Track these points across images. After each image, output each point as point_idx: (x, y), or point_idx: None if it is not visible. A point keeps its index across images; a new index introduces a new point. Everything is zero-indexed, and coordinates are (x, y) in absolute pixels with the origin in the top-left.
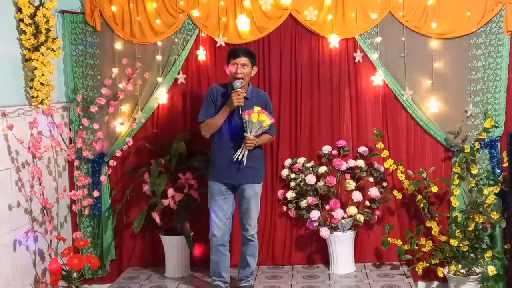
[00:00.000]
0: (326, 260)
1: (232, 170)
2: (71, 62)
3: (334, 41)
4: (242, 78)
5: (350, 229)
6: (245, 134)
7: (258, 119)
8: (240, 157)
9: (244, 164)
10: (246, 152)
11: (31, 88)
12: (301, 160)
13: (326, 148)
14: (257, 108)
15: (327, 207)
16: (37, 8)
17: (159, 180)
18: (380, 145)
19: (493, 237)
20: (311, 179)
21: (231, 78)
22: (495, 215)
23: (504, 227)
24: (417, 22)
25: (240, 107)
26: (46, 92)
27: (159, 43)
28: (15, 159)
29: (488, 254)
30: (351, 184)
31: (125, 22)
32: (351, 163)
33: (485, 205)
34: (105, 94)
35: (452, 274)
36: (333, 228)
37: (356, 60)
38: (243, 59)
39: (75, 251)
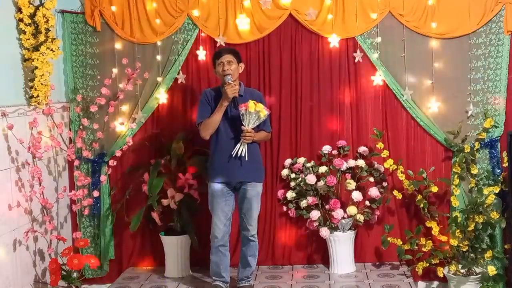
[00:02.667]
0: (326, 260)
1: (234, 167)
2: (71, 62)
3: (334, 41)
4: (230, 74)
5: (350, 229)
6: (242, 127)
7: (255, 109)
8: (240, 152)
9: (246, 159)
10: (245, 147)
11: (30, 88)
12: (301, 160)
13: (326, 148)
14: (252, 101)
15: (327, 207)
16: (37, 8)
17: (156, 181)
18: (380, 145)
19: (493, 237)
20: (311, 179)
21: (220, 79)
22: (495, 215)
23: (504, 227)
24: (417, 22)
25: (235, 102)
26: (44, 92)
27: (159, 43)
28: (15, 159)
29: (488, 254)
30: (351, 184)
31: (125, 22)
32: (351, 163)
33: (485, 205)
34: (105, 94)
35: (452, 274)
36: (333, 228)
37: (356, 60)
38: (227, 57)
39: (75, 251)
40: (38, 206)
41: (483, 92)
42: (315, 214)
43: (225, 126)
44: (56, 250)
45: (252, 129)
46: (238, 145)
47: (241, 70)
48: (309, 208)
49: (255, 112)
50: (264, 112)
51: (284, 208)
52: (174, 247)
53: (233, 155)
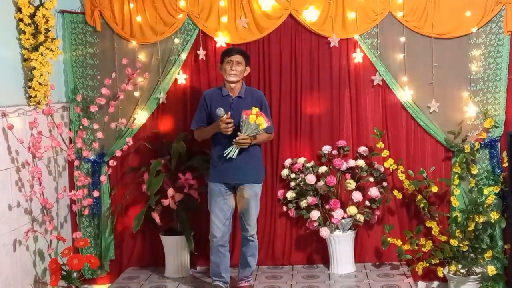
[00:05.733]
0: (326, 260)
1: (232, 169)
2: (71, 62)
3: (334, 41)
4: (235, 75)
5: (350, 229)
6: (238, 133)
7: (256, 121)
8: (231, 154)
9: (234, 158)
10: (237, 150)
11: (29, 88)
12: (301, 160)
13: (326, 148)
14: (255, 110)
15: (327, 207)
16: (37, 8)
17: (155, 180)
18: (380, 145)
19: (493, 237)
20: (311, 179)
21: (225, 76)
22: (495, 215)
23: (504, 227)
24: (417, 22)
25: (237, 107)
26: (44, 92)
27: (159, 43)
28: (15, 159)
29: (488, 254)
30: (351, 184)
31: (125, 22)
32: (351, 163)
33: (485, 205)
34: (105, 94)
35: (452, 274)
36: (333, 228)
37: (356, 60)
38: (238, 57)
39: (75, 251)
40: (38, 206)
41: (483, 92)
42: (315, 214)
43: None
44: (56, 250)
45: (250, 136)
46: (230, 147)
47: (247, 73)
48: (309, 208)
49: (254, 124)
50: (263, 125)
51: (284, 208)
52: (174, 247)
53: (224, 155)
